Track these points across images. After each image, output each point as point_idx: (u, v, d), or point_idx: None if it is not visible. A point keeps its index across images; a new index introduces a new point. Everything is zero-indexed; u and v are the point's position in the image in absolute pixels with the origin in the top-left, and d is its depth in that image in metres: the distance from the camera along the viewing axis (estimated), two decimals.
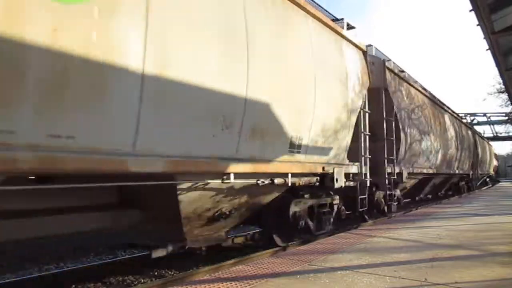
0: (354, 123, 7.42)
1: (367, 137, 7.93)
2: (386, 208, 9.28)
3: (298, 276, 3.72)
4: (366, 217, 8.92)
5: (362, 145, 7.75)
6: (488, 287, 3.42)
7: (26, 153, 2.70)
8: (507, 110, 31.71)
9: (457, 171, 18.10)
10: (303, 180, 5.98)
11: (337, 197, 7.35)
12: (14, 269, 5.41)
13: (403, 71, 12.17)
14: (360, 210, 7.74)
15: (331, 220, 7.18)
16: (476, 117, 34.28)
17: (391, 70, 9.92)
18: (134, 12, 3.31)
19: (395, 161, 9.30)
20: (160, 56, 3.54)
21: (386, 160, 8.83)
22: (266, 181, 5.06)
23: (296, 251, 5.15)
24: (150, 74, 3.43)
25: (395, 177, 9.34)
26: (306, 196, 6.57)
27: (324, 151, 6.57)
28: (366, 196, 7.75)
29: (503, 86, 21.35)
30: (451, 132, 16.45)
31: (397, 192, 10.26)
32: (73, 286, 4.92)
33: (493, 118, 34.19)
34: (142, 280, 5.21)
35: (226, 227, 5.50)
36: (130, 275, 5.38)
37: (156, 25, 3.48)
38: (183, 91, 3.79)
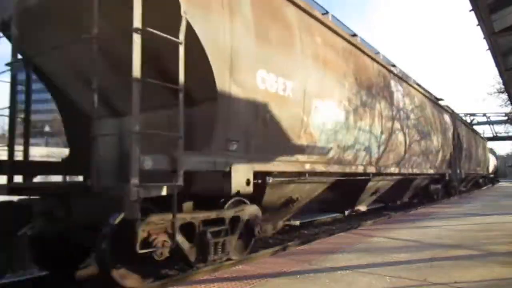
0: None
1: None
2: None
3: (298, 276, 3.72)
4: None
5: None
6: (488, 287, 3.42)
7: None
8: (507, 110, 31.70)
9: (415, 171, 12.05)
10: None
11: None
12: None
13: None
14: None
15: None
16: (476, 117, 34.26)
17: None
18: None
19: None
20: None
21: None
22: None
23: (296, 251, 5.15)
24: None
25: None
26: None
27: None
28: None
29: (503, 86, 21.35)
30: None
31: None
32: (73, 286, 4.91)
33: (493, 118, 34.17)
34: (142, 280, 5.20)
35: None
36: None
37: None
38: None
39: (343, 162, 7.10)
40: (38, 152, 15.61)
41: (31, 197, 4.69)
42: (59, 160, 6.16)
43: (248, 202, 5.00)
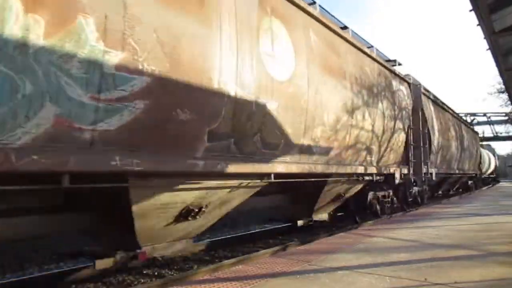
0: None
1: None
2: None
3: (298, 276, 3.73)
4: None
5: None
6: (488, 287, 3.42)
7: None
8: (507, 110, 31.71)
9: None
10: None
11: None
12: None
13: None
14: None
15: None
16: (476, 117, 34.26)
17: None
18: None
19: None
20: None
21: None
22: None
23: (296, 251, 5.15)
24: None
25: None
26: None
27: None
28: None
29: (503, 86, 21.34)
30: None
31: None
32: (73, 286, 4.92)
33: (493, 118, 34.17)
34: (142, 280, 5.22)
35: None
36: (130, 275, 5.38)
37: None
38: None
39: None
40: None
41: None
42: None
43: None
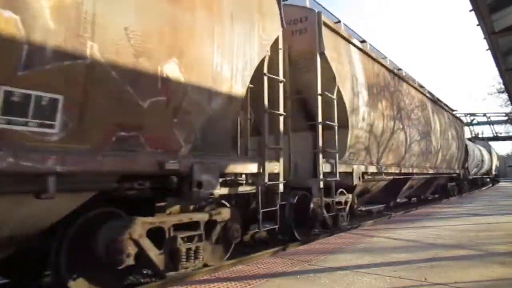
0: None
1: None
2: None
3: (298, 276, 3.72)
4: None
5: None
6: (488, 287, 3.42)
7: None
8: (507, 110, 31.70)
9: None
10: None
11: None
12: None
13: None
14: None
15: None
16: (476, 117, 34.26)
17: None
18: None
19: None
20: None
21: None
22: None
23: (296, 251, 5.15)
24: None
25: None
26: None
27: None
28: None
29: (503, 86, 21.33)
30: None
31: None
32: None
33: (493, 118, 34.17)
34: (142, 280, 5.21)
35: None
36: (130, 276, 5.37)
37: None
38: None
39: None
40: None
41: None
42: None
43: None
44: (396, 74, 10.87)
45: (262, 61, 5.32)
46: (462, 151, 19.55)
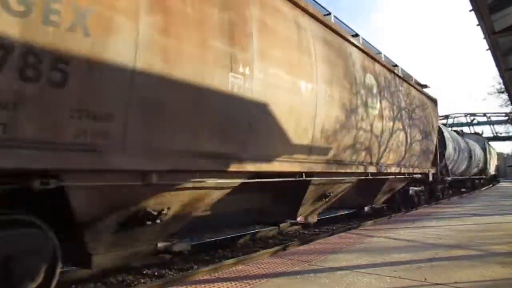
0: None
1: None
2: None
3: (298, 276, 3.73)
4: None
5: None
6: (488, 287, 3.43)
7: None
8: (507, 110, 31.71)
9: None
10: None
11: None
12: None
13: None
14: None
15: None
16: (476, 117, 34.28)
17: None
18: None
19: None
20: None
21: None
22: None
23: (296, 251, 5.15)
24: None
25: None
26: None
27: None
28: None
29: (503, 86, 21.33)
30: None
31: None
32: (73, 286, 4.92)
33: (493, 118, 34.18)
34: (142, 280, 5.21)
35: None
36: (130, 275, 5.38)
37: None
38: None
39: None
40: None
41: None
42: None
43: None
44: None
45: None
46: (433, 143, 13.30)
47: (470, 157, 21.03)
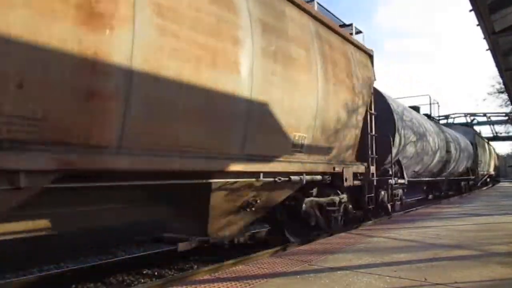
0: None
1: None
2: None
3: (298, 276, 3.72)
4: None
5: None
6: (488, 287, 3.43)
7: None
8: (507, 110, 31.70)
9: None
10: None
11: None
12: (14, 268, 5.40)
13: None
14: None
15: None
16: (476, 117, 34.23)
17: None
18: None
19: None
20: None
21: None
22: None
23: (296, 251, 5.15)
24: None
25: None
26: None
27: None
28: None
29: (503, 86, 21.33)
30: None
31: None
32: (73, 286, 4.92)
33: (493, 118, 34.13)
34: (142, 280, 5.22)
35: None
36: (130, 275, 5.38)
37: None
38: None
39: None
40: None
41: None
42: None
43: None
44: None
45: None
46: (360, 125, 7.82)
47: (449, 151, 15.58)
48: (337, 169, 6.88)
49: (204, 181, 4.41)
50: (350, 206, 7.82)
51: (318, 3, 7.00)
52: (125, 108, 3.38)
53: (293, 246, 6.54)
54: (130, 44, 3.33)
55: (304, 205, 6.49)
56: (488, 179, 30.12)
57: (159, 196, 4.46)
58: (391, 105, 9.96)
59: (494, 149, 34.71)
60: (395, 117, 9.84)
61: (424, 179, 14.38)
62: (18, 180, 2.79)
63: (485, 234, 6.36)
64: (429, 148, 13.03)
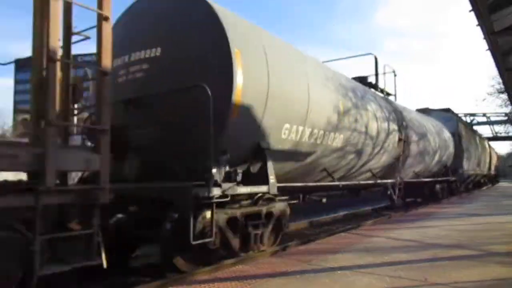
0: None
1: None
2: None
3: (298, 276, 3.72)
4: None
5: None
6: (488, 287, 3.43)
7: None
8: (507, 110, 31.67)
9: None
10: None
11: None
12: None
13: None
14: None
15: None
16: (476, 117, 34.21)
17: None
18: None
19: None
20: None
21: None
22: None
23: (296, 251, 5.15)
24: None
25: None
26: None
27: None
28: None
29: (503, 86, 21.31)
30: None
31: None
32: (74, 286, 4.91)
33: (492, 118, 34.11)
34: (142, 280, 5.20)
35: None
36: (130, 275, 5.37)
37: None
38: None
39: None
40: None
41: None
42: None
43: None
44: None
45: None
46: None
47: (403, 140, 9.99)
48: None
49: None
50: None
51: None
52: None
53: (293, 246, 6.54)
54: None
55: None
56: (482, 180, 25.21)
57: None
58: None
59: (486, 141, 30.24)
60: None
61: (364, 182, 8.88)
62: None
63: (485, 234, 6.37)
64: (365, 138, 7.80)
